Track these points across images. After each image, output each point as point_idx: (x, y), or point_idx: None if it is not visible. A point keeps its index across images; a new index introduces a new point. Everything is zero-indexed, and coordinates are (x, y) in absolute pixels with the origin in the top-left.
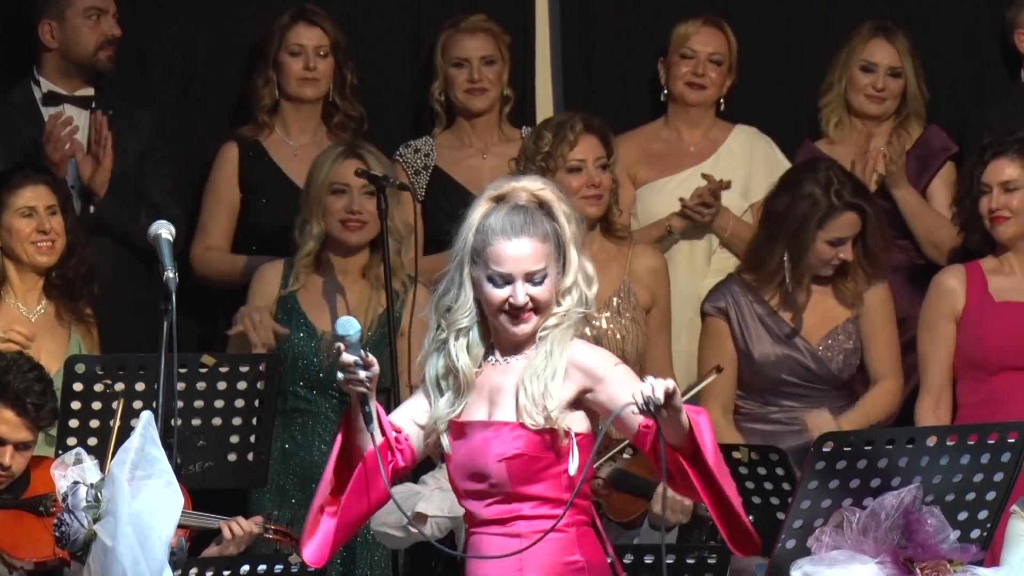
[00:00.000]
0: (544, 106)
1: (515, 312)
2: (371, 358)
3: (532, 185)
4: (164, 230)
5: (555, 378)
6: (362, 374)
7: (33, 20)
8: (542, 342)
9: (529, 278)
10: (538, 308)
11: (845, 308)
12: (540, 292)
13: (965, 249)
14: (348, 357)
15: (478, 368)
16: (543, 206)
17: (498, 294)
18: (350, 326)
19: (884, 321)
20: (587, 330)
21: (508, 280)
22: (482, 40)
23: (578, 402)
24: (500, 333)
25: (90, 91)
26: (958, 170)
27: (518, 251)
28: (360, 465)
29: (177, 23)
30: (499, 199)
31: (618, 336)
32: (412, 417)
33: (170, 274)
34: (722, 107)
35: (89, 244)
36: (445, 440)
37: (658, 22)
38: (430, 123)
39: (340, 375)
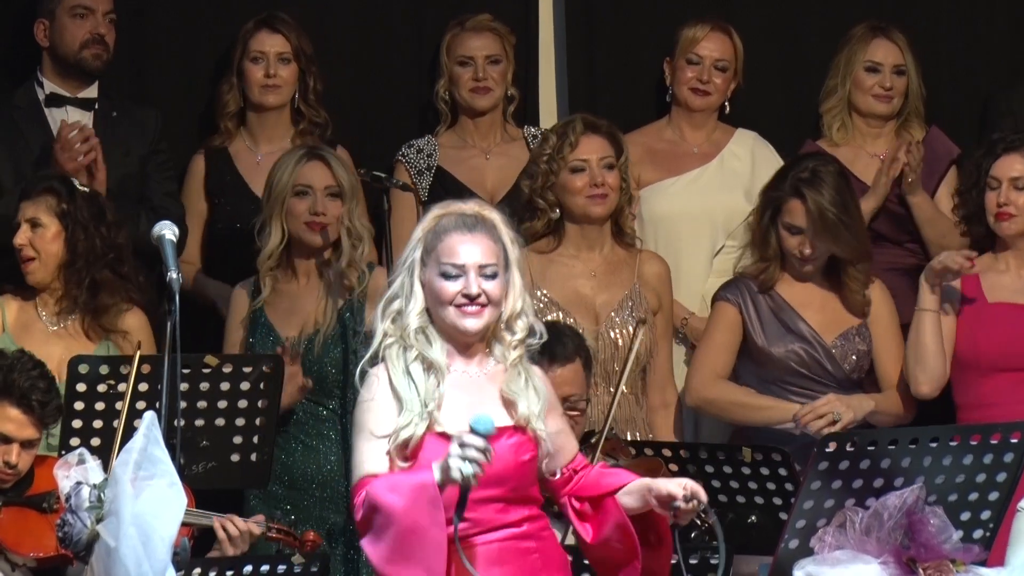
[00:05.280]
0: (547, 106)
1: (467, 303)
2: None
3: (478, 207)
4: (167, 231)
5: (543, 406)
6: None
7: (32, 20)
8: (513, 369)
9: (481, 271)
10: (490, 302)
11: (859, 309)
12: (492, 287)
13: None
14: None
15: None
16: (491, 224)
17: (450, 286)
18: (484, 424)
19: (889, 329)
20: (597, 338)
21: (461, 272)
22: (487, 39)
23: None
24: (450, 335)
25: (93, 92)
26: (960, 174)
27: (471, 244)
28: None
29: (179, 25)
30: (446, 214)
31: (631, 337)
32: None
33: (173, 275)
34: (727, 110)
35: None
36: (444, 425)
37: (662, 23)
38: (433, 123)
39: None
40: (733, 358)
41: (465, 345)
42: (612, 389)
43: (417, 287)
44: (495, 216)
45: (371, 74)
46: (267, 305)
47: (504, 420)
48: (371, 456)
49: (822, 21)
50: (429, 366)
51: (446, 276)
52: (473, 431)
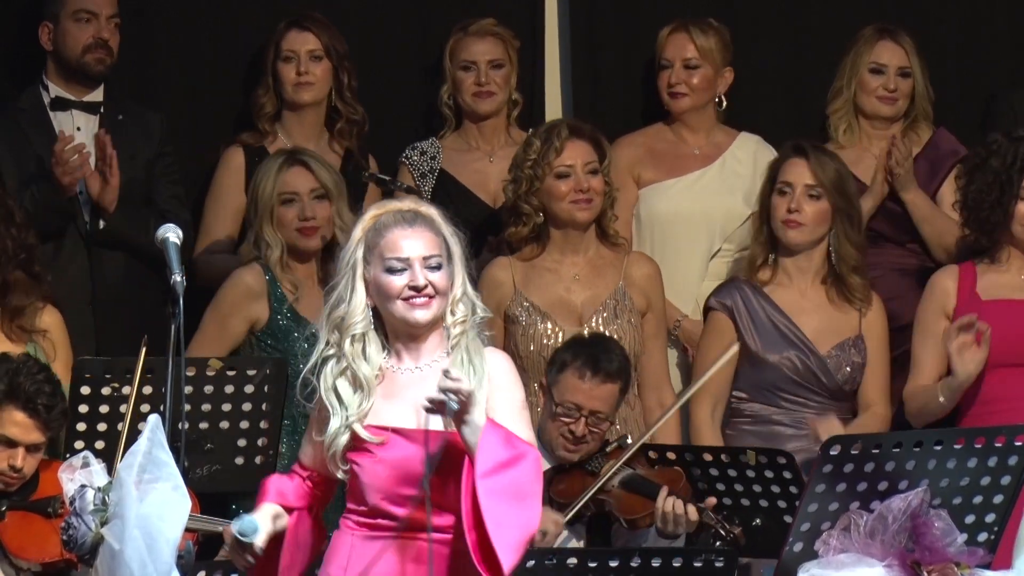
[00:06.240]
0: (553, 110)
1: (414, 295)
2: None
3: (414, 203)
4: (172, 234)
5: (481, 387)
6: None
7: (37, 22)
8: (455, 350)
9: (426, 263)
10: (437, 292)
11: (857, 321)
12: (438, 277)
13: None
14: (243, 558)
15: (378, 373)
16: (430, 218)
17: (396, 280)
18: (252, 530)
19: (880, 347)
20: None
21: (406, 265)
22: (490, 43)
23: None
24: (399, 331)
25: (98, 96)
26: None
27: (413, 237)
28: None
29: (184, 28)
30: (384, 212)
31: (615, 337)
32: (317, 451)
33: (177, 278)
34: (723, 105)
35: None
36: (365, 432)
37: (664, 26)
38: (437, 126)
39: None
40: (731, 370)
41: (414, 338)
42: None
43: (360, 286)
44: (432, 211)
45: (375, 77)
46: (297, 302)
47: (440, 425)
48: (304, 448)
49: (825, 23)
50: (356, 380)
51: (391, 271)
52: (240, 534)
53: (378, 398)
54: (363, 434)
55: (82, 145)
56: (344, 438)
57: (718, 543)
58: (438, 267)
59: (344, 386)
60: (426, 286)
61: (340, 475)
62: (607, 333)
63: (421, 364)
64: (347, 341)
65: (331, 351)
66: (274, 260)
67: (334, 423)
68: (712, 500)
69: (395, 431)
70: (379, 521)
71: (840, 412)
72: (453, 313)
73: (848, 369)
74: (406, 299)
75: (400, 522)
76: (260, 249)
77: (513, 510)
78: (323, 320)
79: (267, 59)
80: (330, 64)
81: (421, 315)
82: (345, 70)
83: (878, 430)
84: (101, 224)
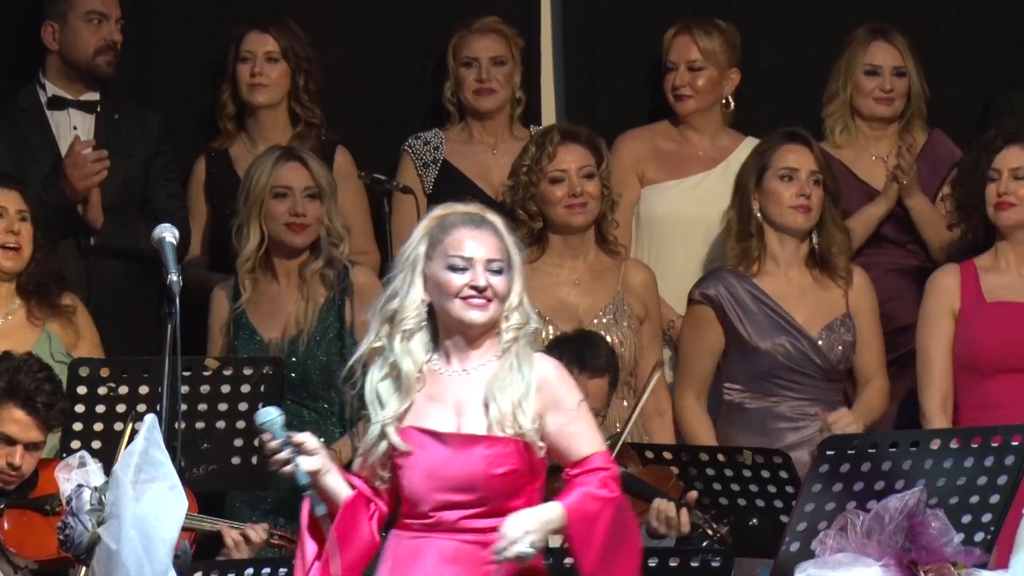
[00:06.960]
0: (548, 110)
1: (473, 295)
2: (298, 437)
3: (480, 209)
4: (168, 233)
5: (528, 394)
6: (286, 454)
7: (38, 22)
8: (505, 355)
9: (488, 266)
10: (496, 296)
11: (843, 299)
12: (499, 282)
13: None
14: (273, 444)
15: (419, 374)
16: (495, 225)
17: (457, 279)
18: (266, 415)
19: (870, 320)
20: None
21: (469, 265)
22: (492, 40)
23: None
24: (452, 331)
25: (95, 95)
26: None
27: (479, 239)
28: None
29: (184, 28)
30: (451, 213)
31: (616, 341)
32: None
33: (174, 277)
34: (730, 106)
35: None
36: (396, 438)
37: (661, 26)
38: (438, 121)
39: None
40: (713, 362)
41: (466, 339)
42: (625, 402)
43: (419, 281)
44: (497, 219)
45: (372, 75)
46: (248, 307)
47: (479, 428)
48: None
49: (825, 23)
50: (398, 379)
51: (453, 268)
52: (257, 428)
53: (421, 398)
54: (395, 440)
55: (104, 152)
56: (383, 445)
57: (704, 543)
58: (500, 271)
59: (386, 387)
60: (486, 288)
61: (379, 483)
62: (609, 337)
63: (468, 367)
64: (397, 336)
65: (379, 343)
66: (247, 254)
67: (373, 428)
68: (694, 494)
69: (433, 435)
70: (419, 521)
71: (835, 392)
72: (508, 320)
73: (840, 348)
74: (465, 298)
75: (437, 523)
76: (239, 240)
77: (623, 557)
78: (375, 312)
79: (228, 59)
80: (287, 67)
81: (477, 316)
82: (304, 73)
83: (882, 403)
84: (92, 241)
